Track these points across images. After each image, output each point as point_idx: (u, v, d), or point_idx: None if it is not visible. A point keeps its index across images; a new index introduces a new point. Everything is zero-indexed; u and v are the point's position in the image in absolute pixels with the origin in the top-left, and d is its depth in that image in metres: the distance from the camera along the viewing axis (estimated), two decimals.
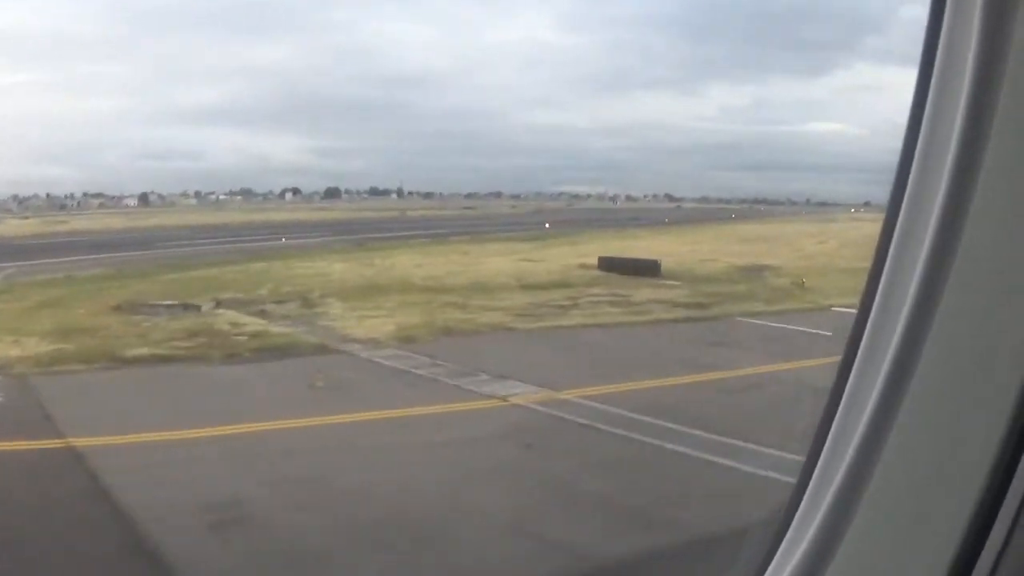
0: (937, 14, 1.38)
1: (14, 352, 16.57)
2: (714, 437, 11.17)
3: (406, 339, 17.95)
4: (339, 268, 29.99)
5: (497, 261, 31.34)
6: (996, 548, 1.37)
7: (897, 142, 1.50)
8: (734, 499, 9.15)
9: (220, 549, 8.25)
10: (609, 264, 28.22)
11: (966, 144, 1.33)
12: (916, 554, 1.42)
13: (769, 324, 19.79)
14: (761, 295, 23.97)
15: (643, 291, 24.61)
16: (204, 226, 59.57)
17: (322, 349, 17.32)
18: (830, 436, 1.54)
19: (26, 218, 75.60)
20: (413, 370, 15.39)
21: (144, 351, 17.25)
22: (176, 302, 23.72)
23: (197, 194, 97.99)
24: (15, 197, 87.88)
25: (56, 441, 11.16)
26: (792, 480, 1.68)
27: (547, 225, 55.95)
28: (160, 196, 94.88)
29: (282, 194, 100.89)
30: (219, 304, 23.22)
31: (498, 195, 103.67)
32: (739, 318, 20.64)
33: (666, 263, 30.48)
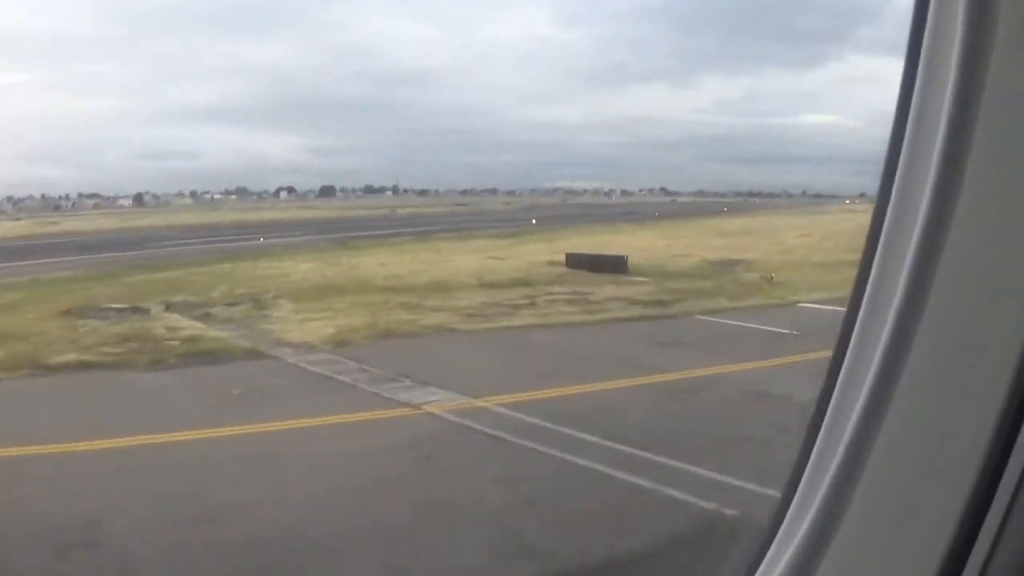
0: (922, 7, 1.36)
1: None
2: (625, 449, 10.43)
3: (342, 342, 17.30)
4: (304, 268, 29.38)
5: (465, 259, 30.65)
6: (987, 544, 1.33)
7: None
8: (624, 523, 8.45)
9: None
10: (577, 261, 27.51)
11: (952, 139, 1.31)
12: (908, 550, 1.40)
13: (727, 322, 19.02)
14: (727, 291, 23.20)
15: (606, 288, 23.89)
16: (191, 226, 59.15)
17: (252, 354, 16.68)
18: (820, 433, 1.49)
19: (18, 219, 75.45)
20: (336, 376, 14.73)
21: (72, 358, 16.68)
22: (127, 306, 23.21)
23: (193, 194, 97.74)
24: (10, 198, 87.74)
25: None
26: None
27: (534, 221, 55.26)
28: (155, 196, 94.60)
29: (277, 193, 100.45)
30: (169, 307, 22.70)
31: (493, 191, 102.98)
32: (698, 316, 19.87)
33: (639, 258, 29.77)
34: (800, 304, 21.47)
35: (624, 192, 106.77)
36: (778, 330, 17.71)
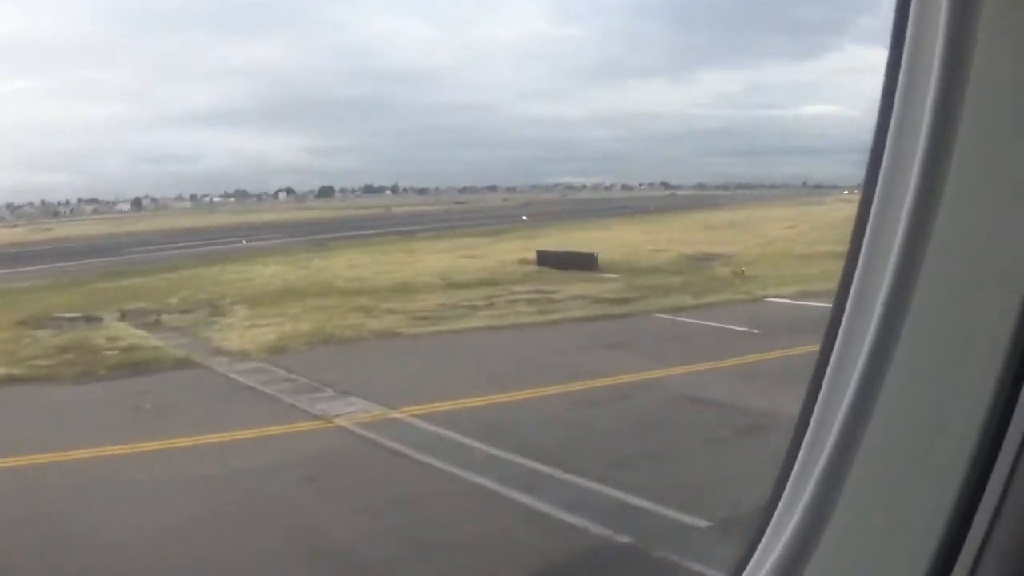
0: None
1: None
2: (528, 465, 9.69)
3: (279, 350, 16.66)
4: (271, 272, 28.84)
5: (438, 258, 30.01)
6: (977, 543, 1.30)
7: None
8: (497, 556, 7.72)
9: None
10: (547, 259, 26.80)
11: (937, 130, 1.28)
12: (896, 550, 1.36)
13: (686, 320, 18.21)
14: (694, 287, 22.38)
15: (571, 286, 23.14)
16: (181, 230, 58.90)
17: (185, 364, 16.07)
18: (808, 431, 1.44)
19: (15, 226, 75.58)
20: (259, 387, 14.08)
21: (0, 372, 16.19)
22: (81, 315, 22.76)
23: (192, 197, 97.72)
24: (9, 205, 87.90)
25: None
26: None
27: (525, 218, 54.73)
28: (154, 200, 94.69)
29: (276, 194, 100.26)
30: (124, 315, 22.24)
31: (493, 188, 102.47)
32: (657, 314, 19.06)
33: (616, 254, 29.06)
34: (768, 299, 20.65)
35: (624, 187, 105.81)
36: (736, 328, 16.90)
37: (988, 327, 1.28)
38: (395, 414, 12.07)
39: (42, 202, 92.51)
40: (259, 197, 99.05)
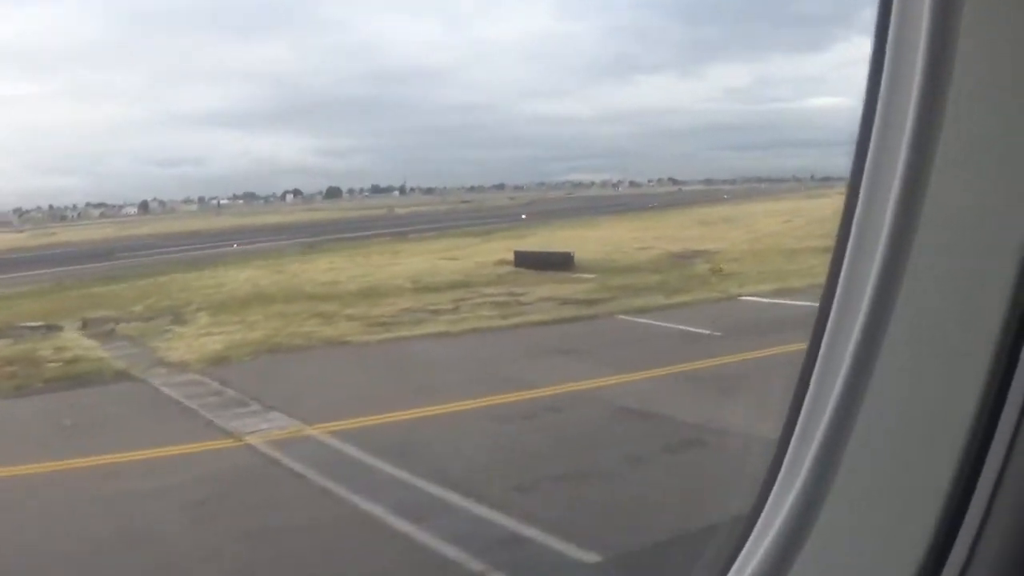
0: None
1: None
2: (429, 489, 8.99)
3: (222, 360, 16.08)
4: (247, 276, 28.36)
5: (418, 260, 29.38)
6: (969, 537, 1.28)
7: None
8: None
9: None
10: (525, 259, 26.07)
11: (922, 122, 1.27)
12: (886, 544, 1.34)
13: (648, 322, 17.41)
14: (669, 286, 21.54)
15: (543, 288, 22.40)
16: (181, 234, 58.77)
17: (121, 377, 15.53)
18: (798, 425, 1.43)
19: (21, 231, 75.95)
20: (185, 401, 13.48)
21: None
22: (43, 324, 22.34)
23: (200, 200, 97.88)
24: (17, 210, 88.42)
25: None
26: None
27: (523, 216, 54.04)
28: (161, 203, 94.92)
29: (283, 196, 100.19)
30: (86, 324, 21.80)
31: (501, 187, 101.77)
32: (622, 316, 18.27)
33: (597, 253, 28.32)
34: (741, 298, 19.79)
35: (632, 183, 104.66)
36: (697, 330, 16.09)
37: (976, 322, 1.26)
38: (310, 431, 11.42)
39: (50, 206, 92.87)
40: (266, 199, 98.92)
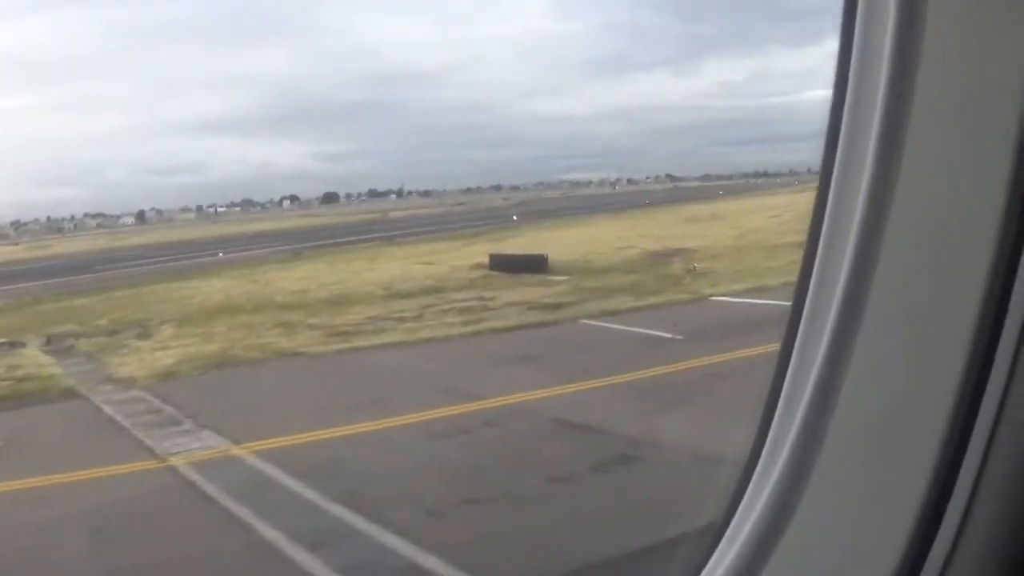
0: None
1: None
2: (338, 513, 8.52)
3: (170, 376, 15.66)
4: (222, 286, 28.00)
5: (395, 266, 28.97)
6: (949, 536, 1.24)
7: None
8: None
9: None
10: (500, 262, 25.60)
11: (889, 119, 1.26)
12: (865, 541, 1.32)
13: (611, 326, 16.87)
14: (641, 287, 21.01)
15: (514, 292, 21.91)
16: (172, 243, 58.55)
17: (66, 395, 15.13)
18: (772, 427, 1.41)
19: (16, 244, 75.90)
20: (121, 420, 13.06)
21: None
22: (7, 340, 22.02)
23: (198, 208, 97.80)
24: (15, 223, 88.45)
25: None
26: None
27: (515, 217, 53.57)
28: (158, 212, 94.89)
29: (280, 202, 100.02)
30: (49, 340, 21.43)
31: (498, 188, 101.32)
32: (586, 320, 17.74)
33: (576, 254, 27.84)
34: (712, 298, 19.24)
35: (630, 181, 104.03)
36: (659, 334, 15.56)
37: (951, 316, 1.24)
38: (237, 451, 10.97)
39: (48, 218, 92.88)
40: (263, 206, 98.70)
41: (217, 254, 42.84)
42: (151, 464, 10.86)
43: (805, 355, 1.36)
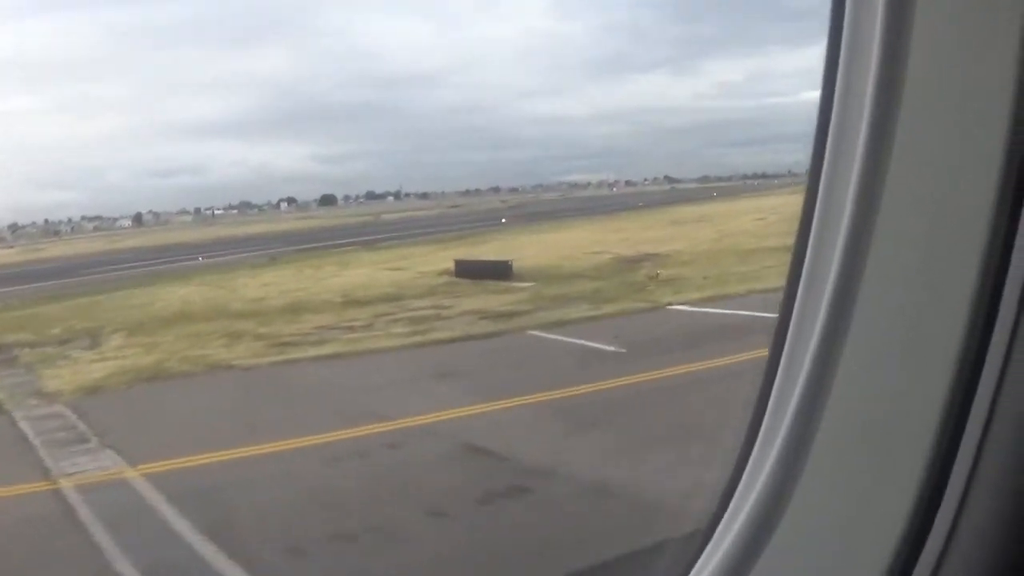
0: None
1: None
2: (197, 546, 7.98)
3: (96, 389, 15.17)
4: (185, 293, 27.61)
5: (362, 272, 28.48)
6: (941, 538, 1.24)
7: None
8: None
9: None
10: (464, 269, 25.06)
11: (877, 120, 1.26)
12: (849, 553, 1.31)
13: (557, 338, 16.27)
14: (602, 295, 20.42)
15: (473, 300, 21.37)
16: (159, 247, 58.41)
17: None
18: (761, 428, 1.41)
19: (11, 247, 75.89)
20: (32, 437, 12.56)
21: None
22: None
23: (197, 211, 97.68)
24: (12, 226, 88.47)
25: None
26: None
27: (503, 220, 53.10)
28: (155, 215, 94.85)
29: (278, 204, 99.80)
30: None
31: (497, 190, 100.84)
32: (534, 331, 17.14)
33: (547, 259, 27.31)
34: (670, 307, 18.62)
35: (628, 183, 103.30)
36: (602, 347, 14.96)
37: (941, 316, 1.24)
38: (129, 473, 10.45)
39: (45, 221, 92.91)
40: (261, 208, 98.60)
41: (197, 258, 42.52)
42: (39, 486, 10.36)
43: (794, 354, 1.36)
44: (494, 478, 9.18)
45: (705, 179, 79.43)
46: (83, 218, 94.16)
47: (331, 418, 11.91)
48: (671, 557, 2.04)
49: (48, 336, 21.88)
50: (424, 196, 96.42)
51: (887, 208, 1.25)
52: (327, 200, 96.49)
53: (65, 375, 16.72)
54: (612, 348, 14.93)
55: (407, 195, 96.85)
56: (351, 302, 22.52)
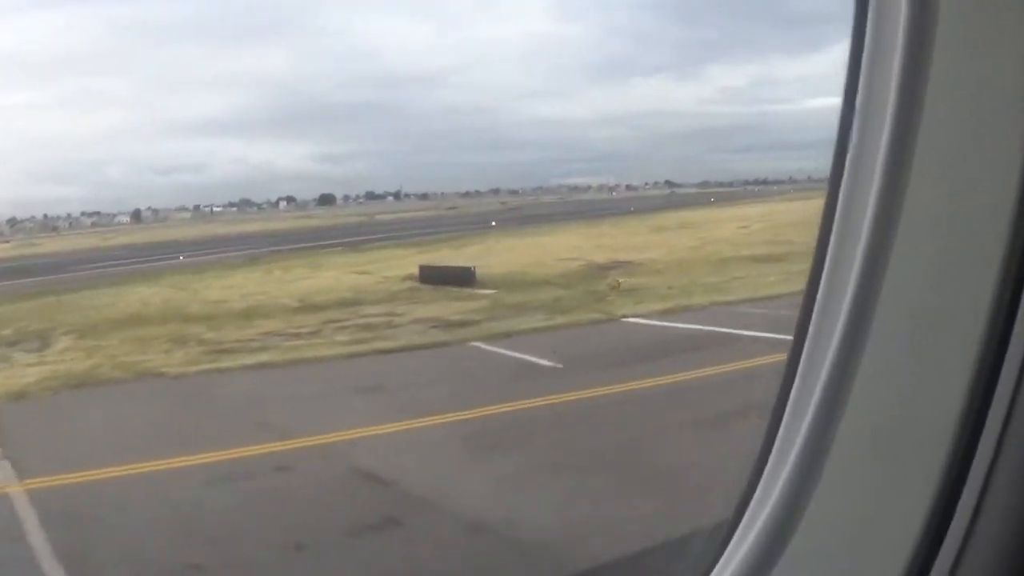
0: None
1: None
2: (49, 573, 7.51)
3: (21, 396, 14.68)
4: (149, 294, 27.22)
5: (330, 275, 28.00)
6: (960, 531, 1.24)
7: None
8: None
9: None
10: (428, 275, 24.52)
11: (899, 123, 1.26)
12: (870, 549, 1.32)
13: (497, 351, 15.65)
14: (560, 305, 19.83)
15: (429, 307, 20.84)
16: (151, 244, 58.07)
17: None
18: (781, 428, 1.40)
19: (7, 242, 75.84)
20: None
21: None
22: None
23: (196, 208, 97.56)
24: (11, 220, 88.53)
25: None
26: None
27: (493, 223, 52.48)
28: (154, 211, 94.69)
29: (277, 203, 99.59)
30: None
31: (497, 191, 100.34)
32: (477, 343, 16.55)
33: (515, 265, 26.76)
34: (624, 319, 18.02)
35: (628, 187, 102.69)
36: (541, 362, 14.38)
37: (960, 320, 1.23)
38: (14, 488, 9.97)
39: (44, 216, 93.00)
40: (260, 206, 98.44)
41: (178, 257, 42.17)
42: None
43: (813, 361, 1.35)
44: (371, 508, 8.61)
45: (706, 184, 78.69)
46: (82, 213, 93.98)
47: (234, 434, 11.39)
48: (688, 563, 2.07)
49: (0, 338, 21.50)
50: (424, 197, 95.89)
51: (908, 213, 1.24)
52: (326, 200, 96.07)
53: None
54: (549, 363, 14.36)
55: (407, 195, 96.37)
56: (306, 307, 22.02)
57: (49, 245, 69.14)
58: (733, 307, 18.49)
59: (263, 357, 16.42)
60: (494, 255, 30.80)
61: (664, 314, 18.06)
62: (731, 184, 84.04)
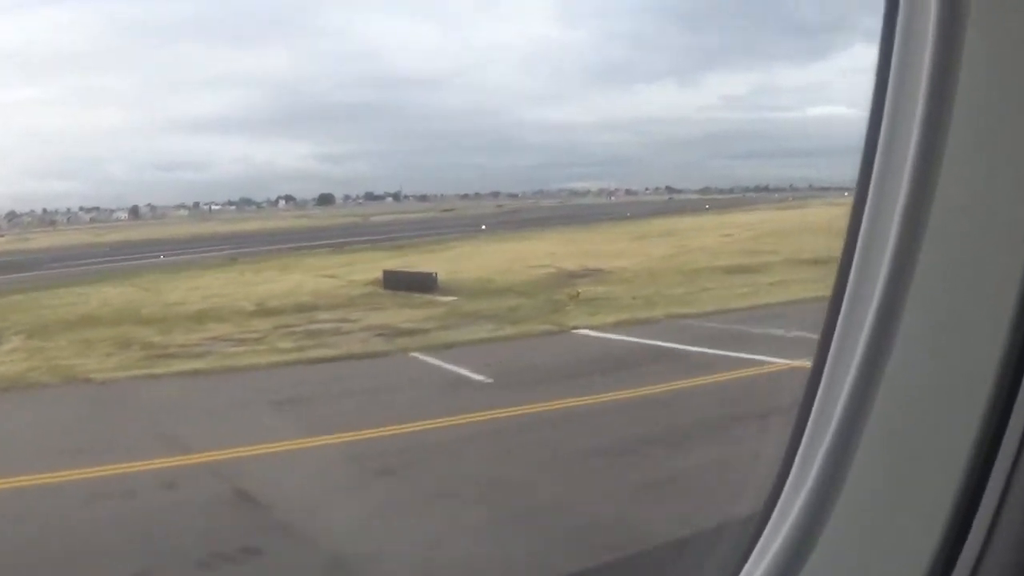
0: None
1: None
2: None
3: None
4: (114, 294, 26.86)
5: (296, 277, 27.58)
6: (978, 542, 1.26)
7: None
8: None
9: None
10: (391, 279, 24.08)
11: (928, 131, 1.26)
12: (896, 548, 1.33)
13: (433, 362, 15.11)
14: (517, 314, 19.32)
15: (384, 313, 20.38)
16: (137, 242, 57.82)
17: None
18: (807, 430, 1.43)
19: (1, 236, 75.85)
20: None
21: None
22: None
23: (196, 205, 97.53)
24: (10, 215, 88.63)
25: None
26: None
27: (483, 227, 52.07)
28: (152, 208, 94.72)
29: (276, 202, 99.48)
30: None
31: (496, 195, 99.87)
32: (417, 353, 16.00)
33: (484, 271, 26.28)
34: (575, 331, 17.51)
35: (628, 192, 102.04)
36: (473, 376, 13.88)
37: (985, 327, 1.23)
38: None
39: (44, 211, 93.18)
40: (259, 205, 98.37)
41: (159, 256, 41.90)
42: None
43: (839, 363, 1.35)
44: (238, 535, 8.11)
45: (706, 190, 78.11)
46: (81, 209, 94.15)
47: (133, 447, 10.94)
48: (717, 562, 2.05)
49: None
50: (423, 198, 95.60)
51: (935, 220, 1.24)
52: (325, 199, 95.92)
53: None
54: (480, 378, 13.86)
55: (407, 197, 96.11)
56: (262, 311, 21.58)
57: (41, 240, 69.06)
58: (690, 320, 17.97)
59: (198, 364, 15.97)
60: (469, 260, 30.36)
61: (616, 326, 17.54)
62: (731, 191, 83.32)
